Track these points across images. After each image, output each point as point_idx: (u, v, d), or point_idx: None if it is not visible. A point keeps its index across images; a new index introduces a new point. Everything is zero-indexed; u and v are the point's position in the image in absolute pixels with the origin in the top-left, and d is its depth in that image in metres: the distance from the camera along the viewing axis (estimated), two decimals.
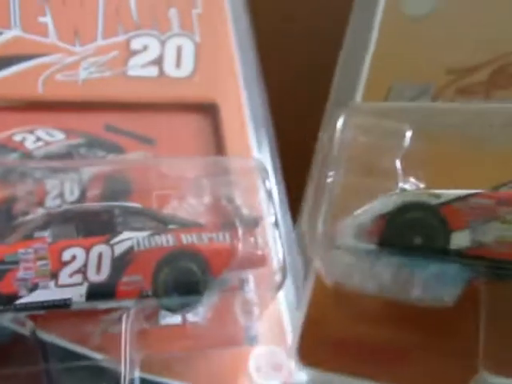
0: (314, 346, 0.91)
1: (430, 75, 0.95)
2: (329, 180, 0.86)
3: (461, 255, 0.77)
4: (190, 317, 0.91)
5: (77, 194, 0.90)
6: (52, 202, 0.89)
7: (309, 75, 0.98)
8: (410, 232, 0.79)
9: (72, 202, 0.89)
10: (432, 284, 0.83)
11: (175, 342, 0.90)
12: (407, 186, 0.85)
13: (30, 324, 0.82)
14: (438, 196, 0.79)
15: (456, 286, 0.82)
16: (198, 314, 0.90)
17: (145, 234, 0.84)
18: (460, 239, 0.77)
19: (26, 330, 0.82)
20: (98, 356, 0.86)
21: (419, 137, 0.87)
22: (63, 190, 0.89)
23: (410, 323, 0.85)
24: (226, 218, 0.90)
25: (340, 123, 0.88)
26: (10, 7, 0.96)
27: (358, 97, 0.98)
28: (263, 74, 1.03)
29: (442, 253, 0.78)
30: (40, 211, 0.86)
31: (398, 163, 0.86)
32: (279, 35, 1.14)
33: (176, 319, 0.90)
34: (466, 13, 0.97)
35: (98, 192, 0.90)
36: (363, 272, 0.85)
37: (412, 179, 0.85)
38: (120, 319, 0.85)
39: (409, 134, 0.86)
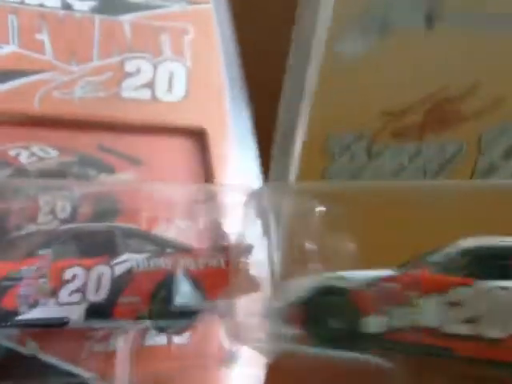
0: None
1: (365, 119, 0.94)
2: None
3: (376, 340, 0.77)
4: (175, 338, 0.93)
5: (68, 211, 0.91)
6: (44, 218, 0.90)
7: None
8: (326, 319, 0.79)
9: (63, 220, 0.90)
10: None
11: (160, 363, 0.92)
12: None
13: (32, 344, 0.83)
14: (347, 279, 0.79)
15: None
16: (184, 336, 0.93)
17: (144, 256, 0.86)
18: (373, 325, 0.77)
19: (26, 350, 0.84)
20: (87, 375, 0.88)
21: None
22: (55, 207, 0.91)
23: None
24: (219, 244, 0.92)
25: (246, 207, 0.88)
26: (7, 23, 0.97)
27: (297, 148, 0.97)
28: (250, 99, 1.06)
29: (358, 338, 0.78)
30: (40, 229, 0.88)
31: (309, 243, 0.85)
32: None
33: (162, 340, 0.93)
34: (398, 52, 0.95)
35: (89, 211, 0.92)
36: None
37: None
38: (105, 338, 0.87)
39: (320, 210, 0.85)
